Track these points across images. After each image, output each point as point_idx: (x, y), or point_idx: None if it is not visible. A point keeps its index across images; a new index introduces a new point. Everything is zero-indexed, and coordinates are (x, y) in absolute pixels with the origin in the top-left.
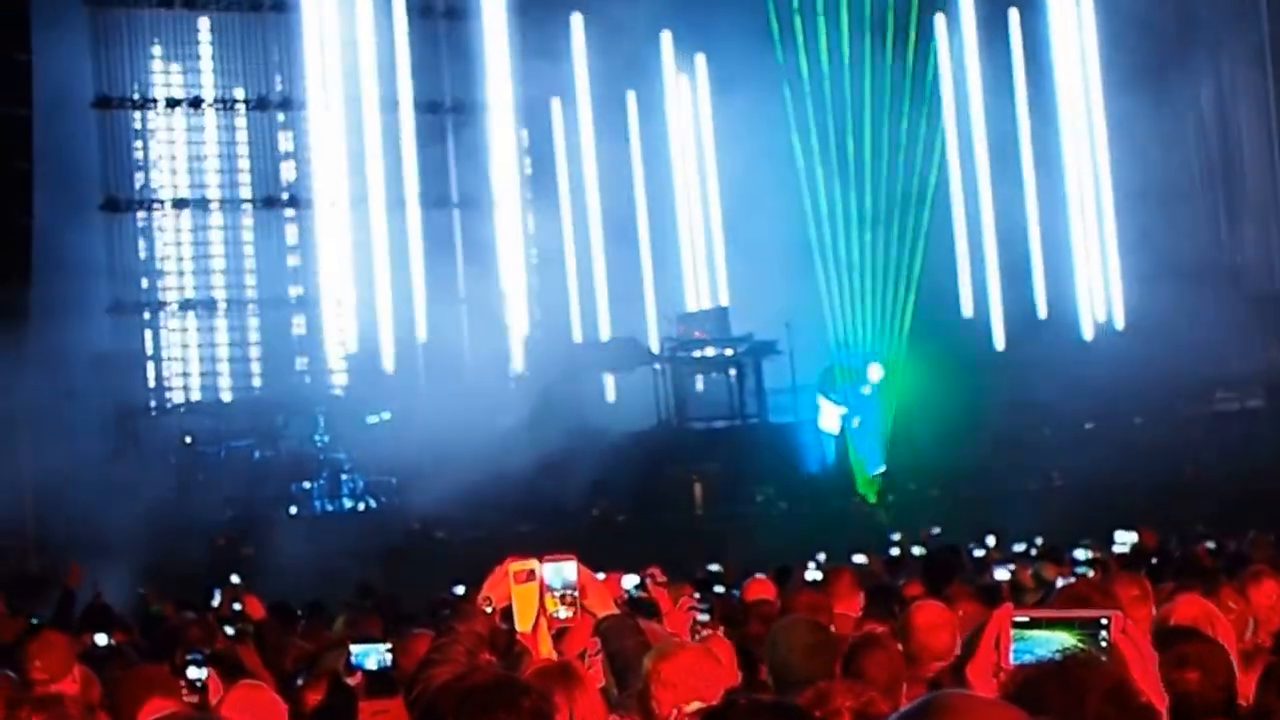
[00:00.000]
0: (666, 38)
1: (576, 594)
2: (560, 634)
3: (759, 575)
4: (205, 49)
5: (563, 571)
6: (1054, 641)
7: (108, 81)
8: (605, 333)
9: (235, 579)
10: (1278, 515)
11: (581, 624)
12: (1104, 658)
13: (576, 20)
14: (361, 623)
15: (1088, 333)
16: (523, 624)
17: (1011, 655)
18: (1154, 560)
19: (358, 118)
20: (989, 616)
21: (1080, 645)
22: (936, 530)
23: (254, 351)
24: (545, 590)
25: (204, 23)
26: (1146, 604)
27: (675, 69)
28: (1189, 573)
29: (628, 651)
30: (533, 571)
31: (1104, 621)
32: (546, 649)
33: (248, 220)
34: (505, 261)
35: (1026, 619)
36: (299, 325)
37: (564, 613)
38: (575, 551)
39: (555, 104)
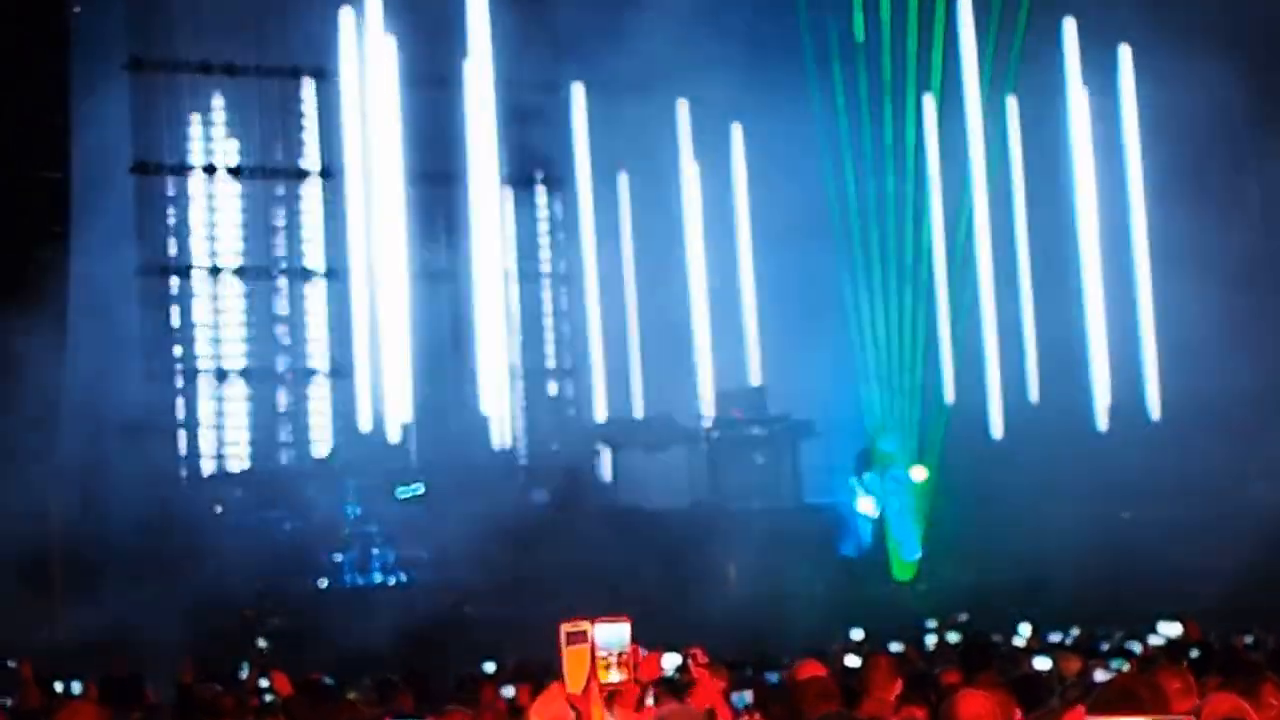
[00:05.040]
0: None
1: (628, 656)
2: (611, 696)
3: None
4: (244, 116)
5: (615, 633)
6: None
7: (146, 147)
8: (641, 411)
9: (261, 643)
10: None
11: (631, 687)
12: None
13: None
14: (394, 699)
15: (1107, 421)
16: (573, 685)
17: None
18: (1195, 653)
19: (393, 188)
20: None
21: None
22: (964, 616)
23: (287, 422)
24: (596, 652)
25: (243, 90)
26: (1189, 698)
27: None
28: (1232, 667)
29: None
30: (584, 632)
31: None
32: (599, 715)
33: (283, 289)
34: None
35: None
36: (332, 396)
37: (615, 675)
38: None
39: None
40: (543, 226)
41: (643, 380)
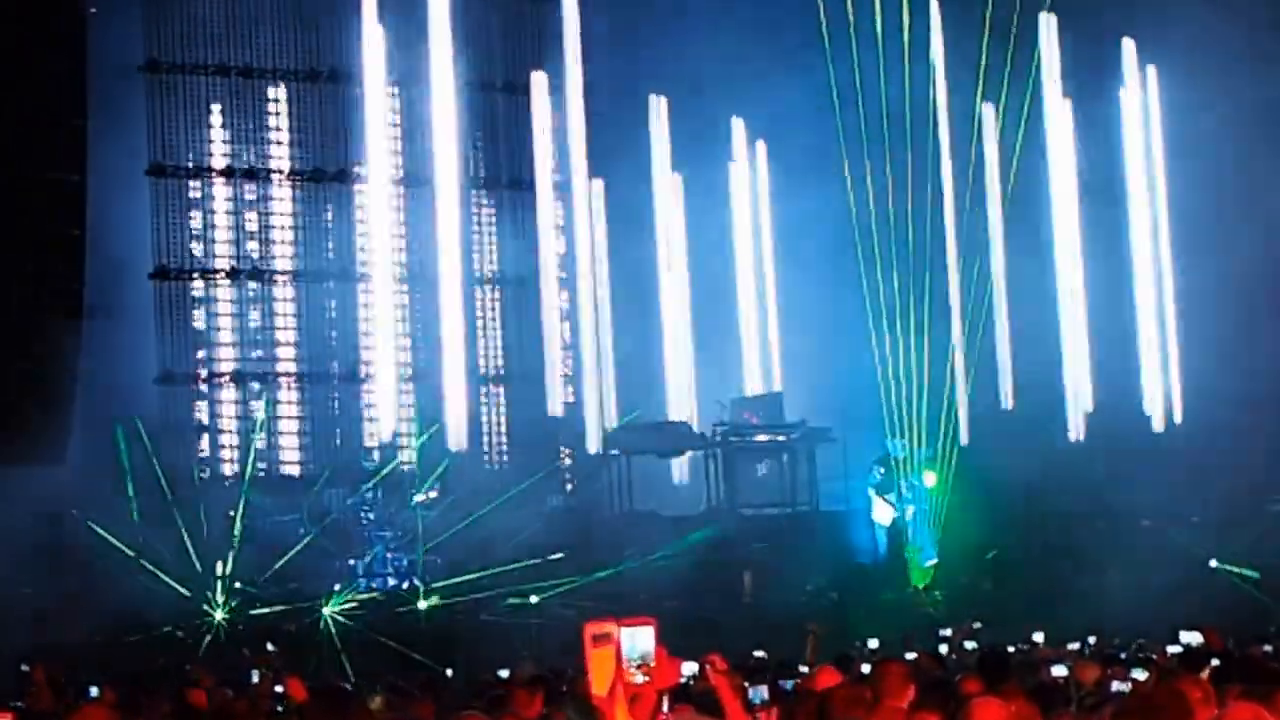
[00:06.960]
0: (738, 124)
1: (652, 663)
2: (631, 700)
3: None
4: (262, 119)
5: (639, 641)
6: None
7: (163, 149)
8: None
9: (270, 646)
10: None
11: (650, 692)
12: None
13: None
14: (411, 706)
15: (1149, 429)
16: (598, 687)
17: None
18: (1215, 662)
19: (413, 193)
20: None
21: None
22: (978, 625)
23: (303, 425)
24: (621, 658)
25: (262, 92)
26: (1209, 707)
27: (739, 153)
28: (1252, 676)
29: None
30: (610, 634)
31: None
32: (623, 716)
33: (300, 292)
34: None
35: None
36: (349, 400)
37: (639, 678)
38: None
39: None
40: (565, 231)
41: (659, 385)
